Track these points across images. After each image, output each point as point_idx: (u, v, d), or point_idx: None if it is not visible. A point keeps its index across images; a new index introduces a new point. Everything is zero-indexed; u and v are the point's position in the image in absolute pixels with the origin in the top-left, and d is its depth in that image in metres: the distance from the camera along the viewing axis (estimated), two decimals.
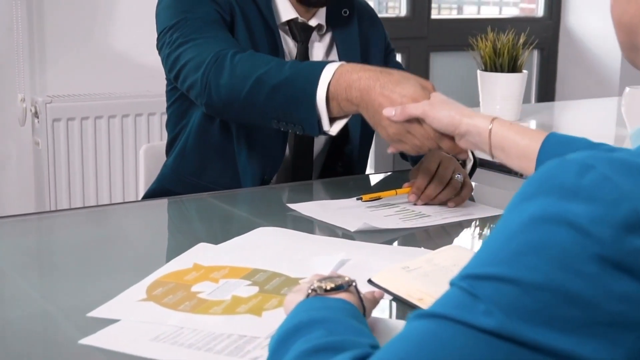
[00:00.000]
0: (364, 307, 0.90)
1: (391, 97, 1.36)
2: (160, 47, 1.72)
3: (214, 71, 1.54)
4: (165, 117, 2.67)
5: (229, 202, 1.59)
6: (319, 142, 1.85)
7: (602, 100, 3.41)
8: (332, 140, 1.87)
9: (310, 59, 1.80)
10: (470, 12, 4.11)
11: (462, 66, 3.74)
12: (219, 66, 1.53)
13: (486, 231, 1.48)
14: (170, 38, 1.67)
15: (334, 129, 1.46)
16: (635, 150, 0.67)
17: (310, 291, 0.89)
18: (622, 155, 0.64)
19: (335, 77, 1.41)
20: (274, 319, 0.99)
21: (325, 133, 1.46)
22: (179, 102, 1.82)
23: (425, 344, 0.63)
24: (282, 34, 1.77)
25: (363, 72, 1.40)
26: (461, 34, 3.70)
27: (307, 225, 1.44)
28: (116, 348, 0.91)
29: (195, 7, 1.69)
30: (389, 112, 1.34)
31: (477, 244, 1.41)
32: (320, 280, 0.89)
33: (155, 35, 1.74)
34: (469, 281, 0.63)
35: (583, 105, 3.19)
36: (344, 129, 1.81)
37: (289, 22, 1.78)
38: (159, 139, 2.66)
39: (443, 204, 1.55)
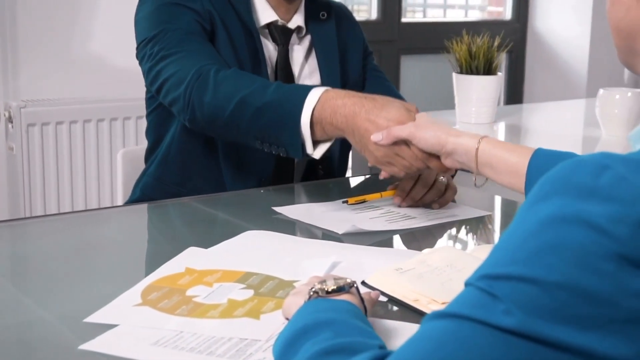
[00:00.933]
0: (365, 308, 0.91)
1: (377, 121, 1.38)
2: (140, 59, 1.71)
3: (197, 88, 1.54)
4: (141, 122, 2.67)
5: (213, 206, 1.59)
6: None
7: (569, 102, 3.46)
8: None
9: (291, 62, 1.81)
10: (434, 15, 4.14)
11: (432, 69, 3.77)
12: (201, 83, 1.54)
13: (472, 232, 1.49)
14: (151, 50, 1.66)
15: (317, 153, 1.48)
16: None
17: (312, 293, 0.89)
18: (636, 156, 0.65)
19: (320, 102, 1.43)
20: (273, 321, 1.00)
21: (308, 156, 1.48)
22: (159, 109, 1.81)
23: (445, 343, 0.64)
24: (262, 37, 1.78)
25: (348, 98, 1.42)
26: (431, 37, 3.75)
27: (294, 228, 1.44)
28: (117, 353, 0.91)
29: (174, 17, 1.68)
30: (376, 137, 1.37)
31: (464, 245, 1.43)
32: (321, 282, 0.90)
33: (132, 40, 1.74)
34: (487, 281, 0.64)
35: (551, 107, 3.23)
36: None
37: (268, 25, 1.78)
38: (135, 143, 2.64)
39: (427, 205, 1.56)
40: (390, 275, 1.11)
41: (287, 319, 0.98)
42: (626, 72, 3.96)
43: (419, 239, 1.43)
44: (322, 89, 1.45)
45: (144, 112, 1.98)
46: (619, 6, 0.82)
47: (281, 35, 1.79)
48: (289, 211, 1.51)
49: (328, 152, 1.87)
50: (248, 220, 1.46)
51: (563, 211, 0.62)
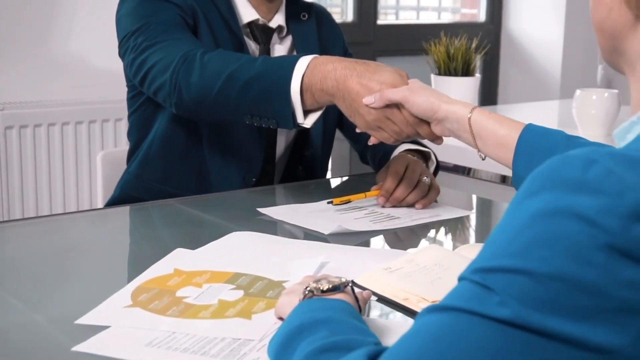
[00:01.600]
0: (359, 306, 0.91)
1: (369, 85, 1.37)
2: (123, 53, 1.71)
3: (183, 71, 1.53)
4: (119, 124, 2.66)
5: (196, 207, 1.58)
6: (280, 146, 1.85)
7: (543, 103, 3.49)
8: (293, 144, 1.88)
9: None
10: (406, 18, 4.15)
11: (408, 70, 3.77)
12: (188, 66, 1.53)
13: (455, 231, 1.51)
14: (135, 42, 1.66)
15: (308, 122, 1.46)
16: (633, 145, 0.70)
17: (307, 292, 0.90)
18: (622, 150, 0.66)
19: (309, 68, 1.42)
20: (265, 321, 1.00)
21: (299, 126, 1.46)
22: (142, 108, 1.81)
23: (442, 336, 0.64)
24: (244, 36, 1.78)
25: (338, 62, 1.41)
26: (406, 39, 3.77)
27: (279, 229, 1.45)
28: (111, 354, 0.90)
29: (157, 12, 1.68)
30: (368, 100, 1.36)
31: (449, 244, 1.44)
32: (316, 281, 0.90)
33: (111, 42, 1.73)
34: (481, 274, 0.65)
35: (527, 108, 3.26)
36: (305, 133, 1.83)
37: (249, 24, 1.79)
38: (113, 145, 2.63)
39: (411, 206, 1.57)
40: (380, 275, 1.12)
41: (280, 318, 0.99)
42: (599, 73, 4.01)
43: (404, 238, 1.44)
44: (311, 55, 1.44)
45: (122, 114, 1.98)
46: (601, 7, 0.83)
47: (262, 34, 1.79)
48: (273, 212, 1.51)
49: (309, 151, 1.89)
50: (233, 221, 1.46)
51: (554, 205, 0.63)
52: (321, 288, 0.89)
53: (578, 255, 0.61)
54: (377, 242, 1.40)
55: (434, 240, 1.45)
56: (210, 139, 1.72)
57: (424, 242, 1.44)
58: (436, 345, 0.64)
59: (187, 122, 1.71)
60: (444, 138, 1.38)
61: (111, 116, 2.63)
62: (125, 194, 1.79)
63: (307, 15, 1.89)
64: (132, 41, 1.67)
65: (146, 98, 1.77)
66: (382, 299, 1.08)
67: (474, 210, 1.68)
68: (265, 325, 0.99)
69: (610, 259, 0.61)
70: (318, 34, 1.90)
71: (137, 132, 1.84)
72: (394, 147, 1.68)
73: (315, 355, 0.74)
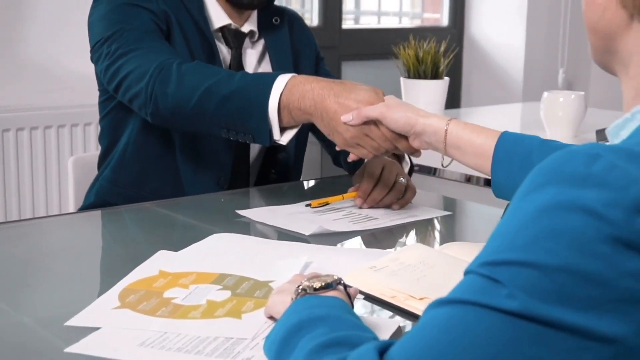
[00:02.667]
0: (352, 303, 0.93)
1: (346, 103, 1.40)
2: (96, 59, 1.70)
3: (159, 81, 1.54)
4: (89, 129, 2.64)
5: (174, 210, 1.59)
6: (254, 150, 1.86)
7: (506, 106, 3.55)
8: (266, 148, 1.89)
9: (244, 65, 1.82)
10: (366, 22, 4.18)
11: (372, 74, 3.82)
12: (164, 76, 1.54)
13: (434, 231, 1.53)
14: (109, 49, 1.65)
15: (285, 139, 1.48)
16: (631, 140, 0.72)
17: (300, 290, 0.90)
18: (623, 145, 0.68)
19: (287, 87, 1.44)
20: (255, 320, 1.01)
21: (275, 142, 1.48)
22: (113, 112, 1.81)
23: (451, 329, 0.66)
24: (216, 40, 1.79)
25: (315, 82, 1.44)
26: (371, 43, 3.80)
27: (259, 230, 1.45)
28: (104, 355, 0.91)
29: (130, 17, 1.68)
30: (346, 117, 1.38)
31: (428, 243, 1.46)
32: (308, 280, 0.91)
33: (79, 47, 1.73)
34: (489, 267, 0.66)
35: (488, 111, 3.30)
36: None
37: (222, 28, 1.80)
38: (83, 150, 2.61)
39: (387, 206, 1.59)
40: (366, 274, 1.13)
41: (270, 317, 1.00)
42: (560, 76, 4.07)
43: (383, 238, 1.45)
44: (289, 75, 1.47)
45: (91, 119, 1.97)
46: (595, 7, 0.85)
47: (234, 39, 1.81)
48: (252, 214, 1.52)
49: (282, 155, 1.90)
50: (212, 223, 1.46)
51: (559, 198, 0.65)
52: (314, 286, 0.90)
53: (583, 247, 0.63)
54: (358, 242, 1.41)
55: (414, 240, 1.47)
56: (183, 143, 1.72)
57: (404, 242, 1.45)
58: (446, 338, 0.65)
59: (159, 128, 1.71)
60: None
61: (80, 121, 2.61)
62: (100, 200, 1.78)
63: (279, 20, 1.90)
64: (105, 48, 1.66)
65: (117, 102, 1.77)
66: (369, 297, 1.09)
67: (450, 210, 1.70)
68: (256, 324, 0.99)
69: (615, 250, 0.63)
70: (290, 38, 1.92)
71: (108, 136, 1.84)
72: None
73: (319, 351, 0.75)
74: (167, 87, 1.53)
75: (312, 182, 1.99)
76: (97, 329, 0.98)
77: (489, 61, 4.10)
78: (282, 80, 1.46)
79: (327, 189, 1.72)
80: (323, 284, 0.90)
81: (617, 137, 0.81)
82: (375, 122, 1.38)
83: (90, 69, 1.75)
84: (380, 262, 1.18)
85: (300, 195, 1.67)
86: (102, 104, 1.85)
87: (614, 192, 0.64)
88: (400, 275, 1.13)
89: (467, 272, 0.70)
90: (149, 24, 1.68)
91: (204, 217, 1.53)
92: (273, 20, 1.90)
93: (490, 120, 3.03)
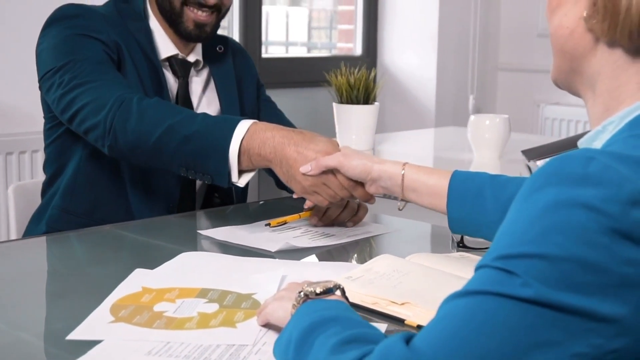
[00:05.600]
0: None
1: (305, 153, 1.47)
2: (47, 88, 1.71)
3: (119, 114, 1.57)
4: (24, 157, 2.62)
5: (136, 232, 1.61)
6: None
7: (419, 131, 3.69)
8: None
9: (190, 93, 1.88)
10: (274, 52, 4.27)
11: (292, 102, 3.90)
12: (124, 110, 1.57)
13: (389, 244, 1.60)
14: (61, 79, 1.67)
15: (242, 181, 1.54)
16: (621, 147, 0.81)
17: (302, 296, 0.96)
18: (613, 150, 0.78)
19: (249, 133, 1.50)
20: (251, 329, 1.06)
21: (233, 184, 1.54)
22: (60, 140, 1.82)
23: (472, 318, 0.73)
24: (163, 70, 1.83)
25: (276, 130, 1.50)
26: (288, 72, 3.88)
27: (225, 248, 1.49)
28: None
29: (82, 47, 1.71)
30: (305, 168, 1.46)
31: (394, 253, 1.52)
32: (309, 286, 0.97)
33: (23, 76, 1.72)
34: (502, 261, 0.74)
35: (403, 136, 3.43)
36: None
37: (169, 58, 1.85)
38: (18, 179, 2.59)
39: (341, 224, 1.66)
40: (343, 284, 1.19)
41: (265, 325, 1.05)
42: (470, 102, 4.25)
43: (343, 253, 1.52)
44: (250, 121, 1.53)
45: (35, 146, 1.97)
46: (562, 31, 0.94)
47: (181, 68, 1.86)
48: (215, 233, 1.57)
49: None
50: (178, 243, 1.50)
51: (560, 197, 0.74)
52: (316, 291, 0.96)
53: (586, 239, 0.72)
54: (323, 256, 1.47)
55: (376, 253, 1.54)
56: (132, 171, 1.76)
57: (366, 255, 1.52)
58: (469, 325, 0.73)
59: (107, 156, 1.73)
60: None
61: (14, 149, 2.59)
62: (51, 229, 1.78)
63: (222, 48, 1.96)
64: (57, 77, 1.68)
65: (65, 130, 1.79)
66: (352, 306, 1.15)
67: (399, 227, 1.79)
68: (252, 331, 1.04)
69: (613, 241, 0.71)
70: (234, 66, 1.98)
71: (54, 163, 1.85)
72: None
73: (340, 346, 0.80)
74: (127, 122, 1.56)
75: (252, 205, 2.05)
76: (99, 342, 1.01)
77: (402, 90, 4.25)
78: (243, 126, 1.51)
79: (269, 210, 1.78)
80: (324, 289, 0.96)
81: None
82: (332, 171, 1.46)
83: (33, 98, 1.74)
84: (354, 272, 1.24)
85: (244, 218, 1.71)
86: (48, 131, 1.86)
87: (610, 189, 0.73)
88: (376, 283, 1.19)
89: (479, 267, 0.77)
90: (101, 54, 1.71)
91: (167, 238, 1.57)
92: (217, 48, 1.96)
93: (409, 145, 3.15)
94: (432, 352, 0.73)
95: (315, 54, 4.40)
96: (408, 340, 0.76)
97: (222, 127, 1.52)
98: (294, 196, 1.54)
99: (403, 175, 1.39)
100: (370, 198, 1.50)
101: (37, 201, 1.93)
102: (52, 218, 1.82)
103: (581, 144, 0.94)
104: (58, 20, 1.77)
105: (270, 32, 4.18)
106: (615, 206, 0.72)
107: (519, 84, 4.43)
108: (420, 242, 1.69)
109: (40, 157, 2.58)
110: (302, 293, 0.96)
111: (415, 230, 1.74)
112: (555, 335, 0.71)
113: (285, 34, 4.33)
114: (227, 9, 1.87)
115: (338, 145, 1.51)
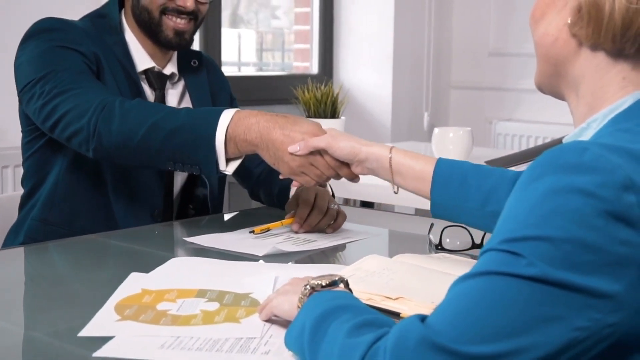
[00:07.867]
0: None
1: (291, 135, 1.52)
2: (27, 99, 1.74)
3: (102, 118, 1.60)
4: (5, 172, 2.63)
5: (121, 240, 1.64)
6: (177, 187, 1.95)
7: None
8: (184, 185, 1.98)
9: (167, 105, 1.92)
10: (227, 71, 4.32)
11: None
12: (107, 113, 1.60)
13: (371, 247, 1.66)
14: (42, 89, 1.70)
15: (230, 169, 1.58)
16: (610, 139, 0.89)
17: (309, 288, 1.01)
18: (604, 141, 0.85)
19: (233, 121, 1.55)
20: (254, 323, 1.10)
21: (221, 173, 1.58)
22: (38, 153, 1.85)
23: (482, 297, 0.79)
24: (141, 82, 1.88)
25: (261, 116, 1.55)
26: (247, 90, 3.94)
27: (213, 254, 1.53)
28: (133, 356, 0.98)
29: (62, 59, 1.74)
30: (293, 148, 1.50)
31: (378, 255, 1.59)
32: (315, 279, 1.02)
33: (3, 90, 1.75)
34: (507, 244, 0.81)
35: None
36: (194, 174, 1.93)
37: (145, 71, 1.89)
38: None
39: (322, 230, 1.71)
40: None
41: (268, 320, 1.09)
42: (425, 119, 4.36)
43: (326, 257, 1.57)
44: (234, 109, 1.57)
45: (6, 162, 1.99)
46: (547, 38, 1.02)
47: (157, 80, 1.90)
48: (201, 240, 1.61)
49: (199, 191, 2.00)
50: (166, 250, 1.54)
51: (558, 184, 0.81)
52: (322, 283, 1.01)
53: (583, 222, 0.79)
54: (307, 260, 1.53)
55: (361, 255, 1.60)
56: (115, 179, 1.79)
57: (349, 258, 1.56)
58: (480, 304, 0.79)
59: (88, 166, 1.77)
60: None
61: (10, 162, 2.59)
62: (30, 240, 1.80)
63: (197, 62, 2.02)
64: (38, 88, 1.71)
65: (44, 142, 1.82)
66: None
67: (377, 233, 1.85)
68: (257, 326, 1.09)
69: (608, 222, 0.79)
70: (208, 80, 2.04)
71: (33, 176, 1.88)
72: (290, 181, 1.81)
73: (355, 330, 0.86)
74: (110, 124, 1.60)
75: (228, 215, 2.09)
76: (111, 338, 1.04)
77: (359, 106, 4.33)
78: (228, 114, 1.56)
79: (245, 220, 1.83)
80: (330, 281, 1.02)
81: None
82: (320, 152, 1.51)
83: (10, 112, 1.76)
84: (344, 272, 1.30)
85: (220, 227, 1.75)
86: (27, 145, 1.89)
87: (603, 176, 0.80)
88: (368, 281, 1.25)
89: (484, 251, 0.84)
90: (80, 64, 1.75)
91: (153, 245, 1.60)
92: (192, 62, 2.01)
93: None
94: (447, 329, 0.79)
95: (268, 72, 4.47)
96: (423, 320, 0.82)
97: (207, 117, 1.57)
98: (281, 177, 1.58)
99: (390, 158, 1.43)
100: (355, 177, 1.53)
101: (13, 216, 1.95)
102: (30, 229, 1.84)
103: (566, 140, 1.01)
104: (36, 34, 1.80)
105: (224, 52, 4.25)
106: (609, 191, 0.79)
107: (471, 101, 4.56)
108: (399, 245, 1.75)
109: (10, 172, 2.59)
110: (308, 286, 1.01)
111: (392, 236, 1.80)
112: (560, 311, 0.78)
113: (237, 55, 4.40)
114: (203, 17, 1.92)
115: (322, 127, 1.56)
